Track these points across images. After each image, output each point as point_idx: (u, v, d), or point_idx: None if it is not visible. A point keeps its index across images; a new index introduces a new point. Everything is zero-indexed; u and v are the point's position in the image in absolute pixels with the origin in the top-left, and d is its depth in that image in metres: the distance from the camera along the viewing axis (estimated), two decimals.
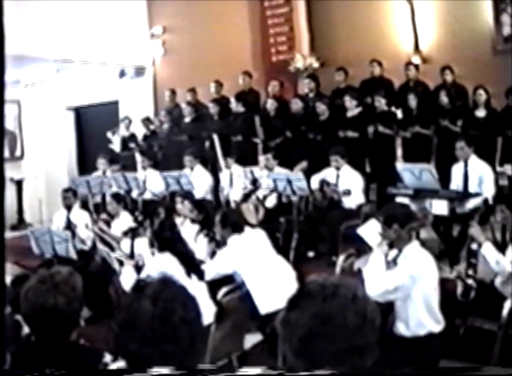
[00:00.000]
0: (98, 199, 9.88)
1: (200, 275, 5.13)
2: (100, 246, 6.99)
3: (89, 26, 11.88)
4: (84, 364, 2.81)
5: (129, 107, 12.92)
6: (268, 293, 4.85)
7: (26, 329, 3.40)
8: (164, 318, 2.14)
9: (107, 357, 2.81)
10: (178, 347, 2.16)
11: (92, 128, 13.81)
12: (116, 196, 8.23)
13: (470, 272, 5.15)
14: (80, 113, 14.17)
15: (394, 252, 4.53)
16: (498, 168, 7.99)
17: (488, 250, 5.21)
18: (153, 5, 13.10)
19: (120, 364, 2.38)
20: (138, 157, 10.95)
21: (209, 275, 5.50)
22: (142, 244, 6.14)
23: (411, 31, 11.20)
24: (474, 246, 5.27)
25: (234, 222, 5.99)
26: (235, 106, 10.42)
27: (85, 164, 13.89)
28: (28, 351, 2.94)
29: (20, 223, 12.59)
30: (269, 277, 4.99)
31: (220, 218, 5.95)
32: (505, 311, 4.25)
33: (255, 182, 8.50)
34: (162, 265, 5.00)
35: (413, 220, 4.47)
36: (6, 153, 12.51)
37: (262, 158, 9.04)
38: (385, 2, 11.46)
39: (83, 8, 11.79)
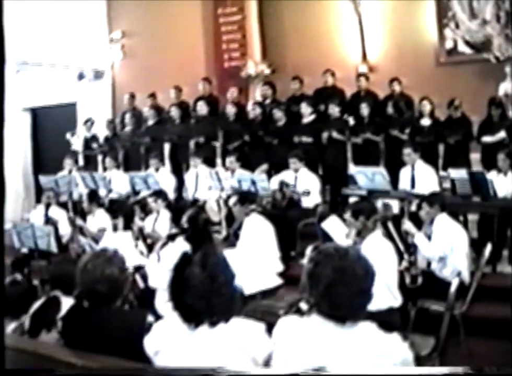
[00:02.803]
0: (64, 197, 10.54)
1: None
2: (83, 239, 7.75)
3: (50, 29, 12.53)
4: (131, 324, 3.60)
5: (87, 110, 13.57)
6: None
7: (65, 305, 4.18)
8: (211, 278, 3.01)
9: (150, 318, 3.63)
10: (223, 301, 3.02)
11: (49, 129, 14.35)
12: (91, 195, 9.00)
13: (411, 260, 6.24)
14: (36, 114, 14.71)
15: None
16: (441, 173, 9.03)
17: (419, 240, 6.38)
18: (113, 10, 13.82)
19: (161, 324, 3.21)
20: (100, 158, 11.73)
21: None
22: (126, 238, 6.97)
23: (359, 42, 12.20)
24: (410, 239, 6.46)
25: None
26: (200, 107, 11.23)
27: (40, 164, 14.47)
28: (79, 315, 3.71)
29: None
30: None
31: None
32: (452, 289, 5.25)
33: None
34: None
35: (376, 213, 5.49)
36: None
37: (226, 160, 9.89)
38: (334, 13, 12.46)
39: (44, 10, 12.43)
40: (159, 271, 5.74)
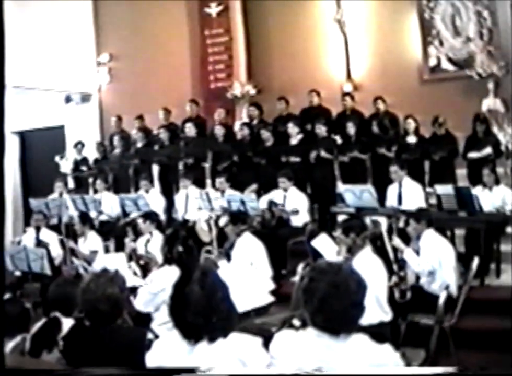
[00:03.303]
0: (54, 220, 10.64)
1: None
2: (76, 261, 7.91)
3: (37, 52, 12.70)
4: (132, 341, 3.74)
5: (75, 132, 13.75)
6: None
7: (65, 326, 4.32)
8: (210, 296, 3.16)
9: (150, 335, 3.79)
10: (221, 317, 3.17)
11: (37, 152, 14.52)
12: (83, 217, 9.14)
13: (400, 275, 6.42)
14: (24, 137, 14.86)
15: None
16: (428, 189, 9.23)
17: (408, 256, 6.59)
18: (100, 33, 14.05)
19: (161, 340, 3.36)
20: (91, 180, 11.90)
21: None
22: (119, 259, 7.12)
23: (344, 61, 12.47)
24: (399, 254, 6.67)
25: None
26: (189, 129, 11.43)
27: (28, 187, 14.61)
28: (81, 334, 3.86)
29: None
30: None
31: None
32: (440, 302, 5.44)
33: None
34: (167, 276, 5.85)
35: (366, 230, 5.69)
36: None
37: (216, 181, 10.06)
38: (319, 33, 12.74)
39: (31, 34, 12.61)
40: (142, 294, 5.85)
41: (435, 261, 6.65)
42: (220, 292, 3.20)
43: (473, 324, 6.74)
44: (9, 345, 4.48)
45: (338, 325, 2.90)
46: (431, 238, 6.86)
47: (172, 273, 5.80)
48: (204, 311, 3.09)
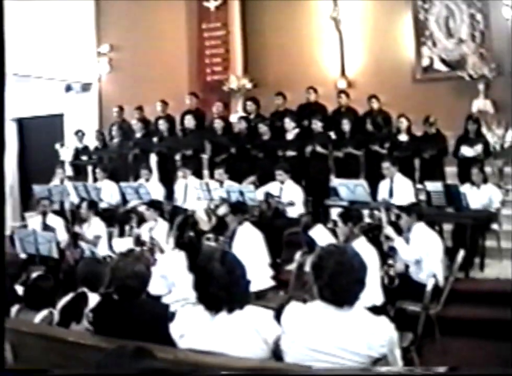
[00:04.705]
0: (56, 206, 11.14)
1: None
2: (83, 244, 8.48)
3: (39, 42, 13.12)
4: (157, 313, 4.23)
5: (74, 121, 14.20)
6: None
7: (91, 302, 4.84)
8: (230, 272, 3.72)
9: (172, 308, 4.31)
10: (239, 291, 3.74)
11: (35, 139, 14.94)
12: (89, 203, 9.66)
13: (390, 262, 7.00)
14: (23, 124, 15.26)
15: None
16: (418, 185, 9.82)
17: (399, 244, 7.18)
18: (101, 24, 14.53)
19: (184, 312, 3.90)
20: (90, 168, 12.41)
21: None
22: (126, 244, 7.69)
23: (339, 58, 13.03)
24: (390, 243, 7.26)
25: None
26: (188, 121, 11.94)
27: (26, 174, 15.05)
28: (109, 307, 4.37)
29: None
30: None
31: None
32: (428, 289, 6.05)
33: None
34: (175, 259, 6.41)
35: (362, 221, 6.30)
36: None
37: (215, 172, 10.60)
38: (316, 30, 13.29)
39: (33, 23, 13.03)
40: (153, 277, 6.33)
41: (423, 251, 7.20)
42: (239, 269, 3.75)
43: (457, 312, 7.30)
44: (37, 317, 5.05)
45: (343, 298, 3.46)
46: (420, 231, 7.41)
47: (179, 257, 6.40)
48: (225, 285, 3.60)
